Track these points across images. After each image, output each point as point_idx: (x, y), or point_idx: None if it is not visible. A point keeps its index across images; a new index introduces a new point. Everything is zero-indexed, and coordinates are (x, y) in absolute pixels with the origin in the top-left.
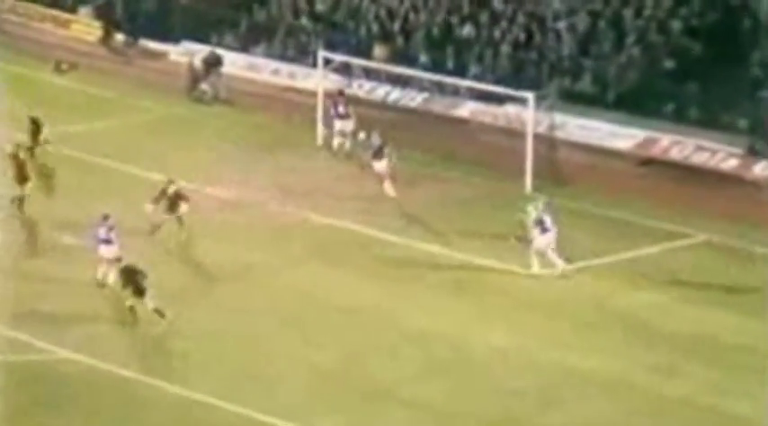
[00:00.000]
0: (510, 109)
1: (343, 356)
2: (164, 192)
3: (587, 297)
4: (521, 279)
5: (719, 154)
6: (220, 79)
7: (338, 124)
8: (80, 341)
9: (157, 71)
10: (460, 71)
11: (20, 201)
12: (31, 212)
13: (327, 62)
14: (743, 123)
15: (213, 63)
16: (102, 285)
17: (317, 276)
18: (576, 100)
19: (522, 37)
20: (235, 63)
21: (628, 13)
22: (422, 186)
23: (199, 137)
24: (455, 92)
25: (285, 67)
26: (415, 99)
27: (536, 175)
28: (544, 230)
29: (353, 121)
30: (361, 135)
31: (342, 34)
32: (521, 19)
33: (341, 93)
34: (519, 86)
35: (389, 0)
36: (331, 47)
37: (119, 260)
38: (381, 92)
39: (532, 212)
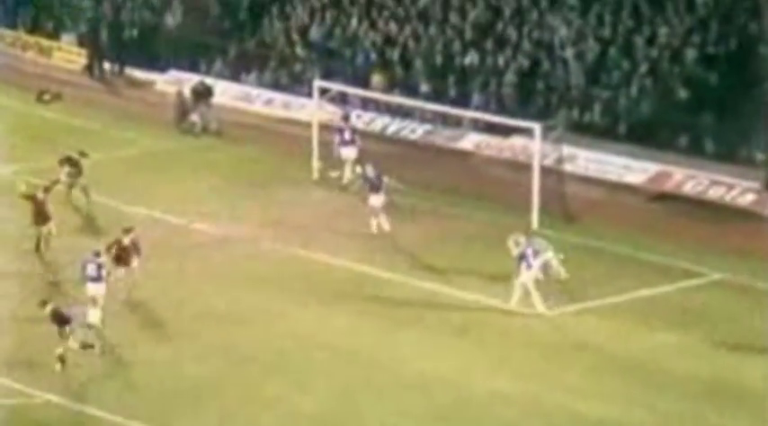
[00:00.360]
0: (516, 140)
1: (336, 401)
2: (118, 242)
3: (595, 338)
4: (526, 319)
5: (736, 188)
6: (210, 110)
7: (344, 152)
8: (63, 384)
9: (144, 101)
10: (463, 101)
11: (38, 242)
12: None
13: (323, 91)
14: (760, 156)
15: (203, 93)
16: (89, 326)
17: (310, 316)
18: (585, 131)
19: (528, 65)
20: (225, 92)
21: (639, 41)
22: (422, 222)
23: (187, 170)
24: (458, 123)
25: (279, 97)
26: (415, 130)
27: (543, 210)
28: (528, 266)
29: (357, 149)
30: (357, 168)
31: (338, 62)
32: (526, 46)
33: (346, 117)
34: (525, 117)
35: (388, 26)
36: (327, 75)
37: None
38: (380, 123)
39: (513, 248)
